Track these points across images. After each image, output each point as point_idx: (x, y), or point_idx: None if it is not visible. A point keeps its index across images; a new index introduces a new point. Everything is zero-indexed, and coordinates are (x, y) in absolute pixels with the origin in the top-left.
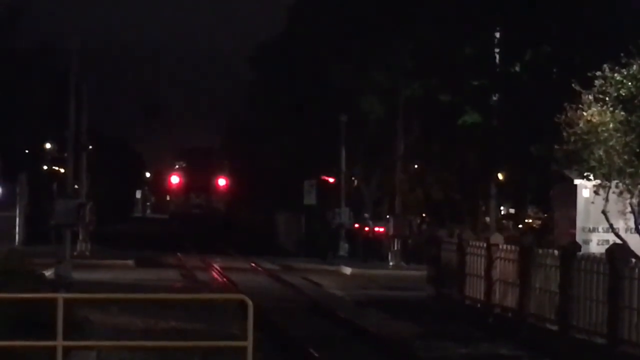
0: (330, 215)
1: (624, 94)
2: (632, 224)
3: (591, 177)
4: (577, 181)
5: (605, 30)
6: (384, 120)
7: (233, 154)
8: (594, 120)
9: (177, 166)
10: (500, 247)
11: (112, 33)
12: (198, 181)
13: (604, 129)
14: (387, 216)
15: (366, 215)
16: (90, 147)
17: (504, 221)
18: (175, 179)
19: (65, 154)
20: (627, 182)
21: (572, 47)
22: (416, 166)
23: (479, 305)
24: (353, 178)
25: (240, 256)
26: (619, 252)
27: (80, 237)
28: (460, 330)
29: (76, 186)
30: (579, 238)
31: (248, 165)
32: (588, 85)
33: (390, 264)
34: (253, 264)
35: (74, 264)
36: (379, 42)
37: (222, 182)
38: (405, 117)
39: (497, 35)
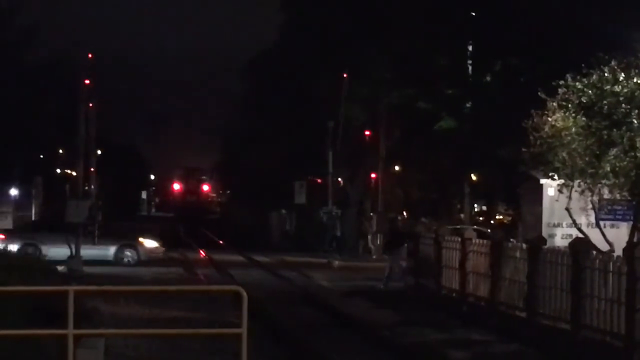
0: (321, 214)
1: (585, 101)
2: (593, 220)
3: (555, 177)
4: (542, 181)
5: (567, 43)
6: (367, 126)
7: (229, 159)
8: (558, 125)
9: (177, 178)
10: (473, 241)
11: (115, 48)
12: (190, 187)
13: (567, 133)
14: (371, 213)
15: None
16: (99, 152)
17: (480, 218)
18: (176, 186)
19: (76, 159)
20: (588, 181)
21: (537, 59)
22: (396, 167)
23: (454, 295)
24: (339, 179)
25: (237, 251)
26: (581, 245)
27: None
28: (437, 317)
29: (87, 187)
30: (544, 232)
31: (244, 169)
32: (552, 93)
33: (374, 257)
34: (248, 258)
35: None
36: (362, 56)
37: (205, 187)
38: (386, 123)
39: (470, 48)
